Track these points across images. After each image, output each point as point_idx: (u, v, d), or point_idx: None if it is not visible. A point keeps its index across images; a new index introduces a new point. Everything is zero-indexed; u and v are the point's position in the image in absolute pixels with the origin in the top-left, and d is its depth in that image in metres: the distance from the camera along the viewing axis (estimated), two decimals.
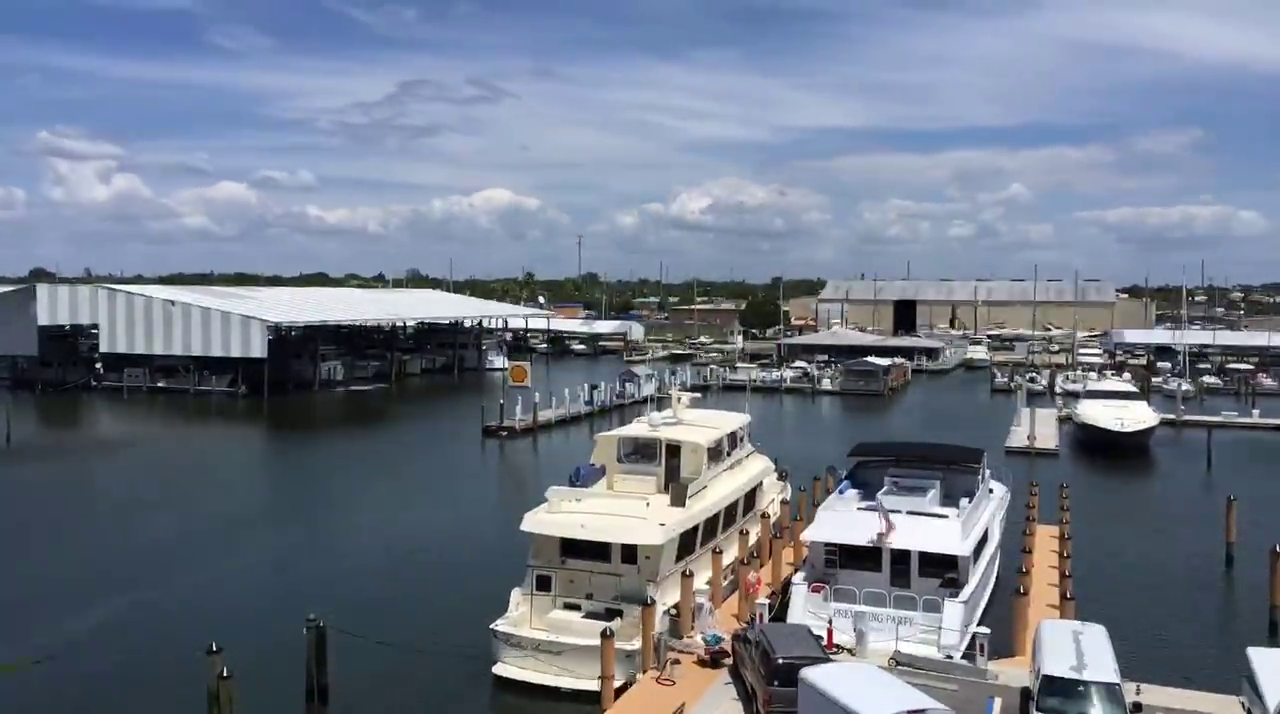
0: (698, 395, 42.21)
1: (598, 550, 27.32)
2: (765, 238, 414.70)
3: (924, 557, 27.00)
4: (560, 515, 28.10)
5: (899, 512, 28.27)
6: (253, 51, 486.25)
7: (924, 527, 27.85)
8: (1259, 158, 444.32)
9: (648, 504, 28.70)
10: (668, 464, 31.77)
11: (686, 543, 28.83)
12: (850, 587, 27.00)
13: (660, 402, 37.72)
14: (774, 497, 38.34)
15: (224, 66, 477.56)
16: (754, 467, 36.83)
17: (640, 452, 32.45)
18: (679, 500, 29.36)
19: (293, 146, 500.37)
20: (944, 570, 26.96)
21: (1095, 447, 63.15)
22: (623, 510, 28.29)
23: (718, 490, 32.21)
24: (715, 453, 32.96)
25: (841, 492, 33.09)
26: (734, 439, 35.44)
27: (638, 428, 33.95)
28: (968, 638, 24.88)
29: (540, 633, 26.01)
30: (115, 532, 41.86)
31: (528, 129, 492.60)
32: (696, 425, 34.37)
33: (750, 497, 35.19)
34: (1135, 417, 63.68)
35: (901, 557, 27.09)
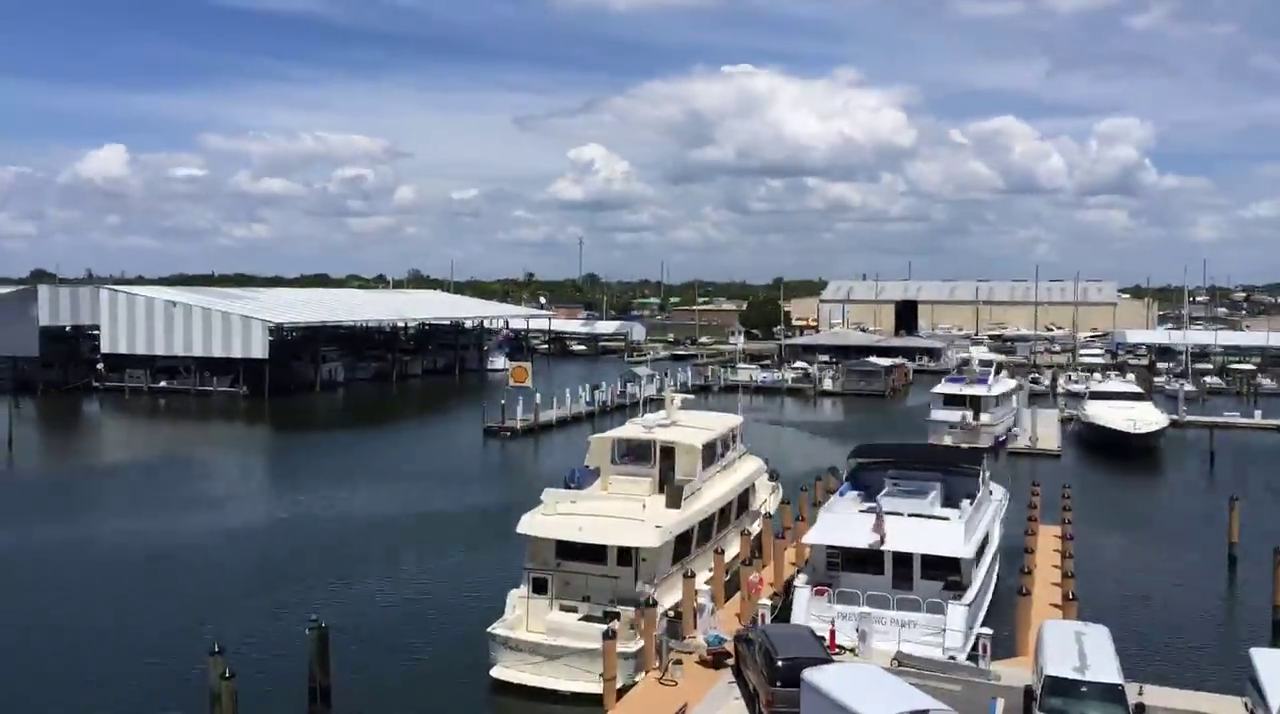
0: (690, 396, 42.05)
1: (594, 553, 27.17)
2: None
3: (926, 559, 26.86)
4: (556, 518, 27.94)
5: (900, 514, 28.18)
6: None
7: (926, 529, 27.76)
8: None
9: (643, 506, 28.62)
10: (662, 465, 31.62)
11: (683, 544, 28.76)
12: (853, 589, 26.94)
13: (655, 403, 37.72)
14: (766, 497, 38.30)
15: None
16: (747, 467, 36.83)
17: (635, 453, 32.33)
18: (674, 502, 29.24)
19: None
20: (946, 573, 26.85)
21: (1105, 448, 62.93)
22: (618, 512, 28.20)
23: (712, 491, 32.13)
24: (709, 454, 32.89)
25: (842, 494, 32.96)
26: (727, 440, 35.40)
27: (632, 429, 33.75)
28: (971, 640, 24.84)
29: (537, 635, 25.93)
30: (114, 532, 41.79)
31: None
32: (690, 426, 34.27)
33: (744, 497, 35.20)
34: (1147, 418, 63.54)
35: (903, 559, 26.97)
